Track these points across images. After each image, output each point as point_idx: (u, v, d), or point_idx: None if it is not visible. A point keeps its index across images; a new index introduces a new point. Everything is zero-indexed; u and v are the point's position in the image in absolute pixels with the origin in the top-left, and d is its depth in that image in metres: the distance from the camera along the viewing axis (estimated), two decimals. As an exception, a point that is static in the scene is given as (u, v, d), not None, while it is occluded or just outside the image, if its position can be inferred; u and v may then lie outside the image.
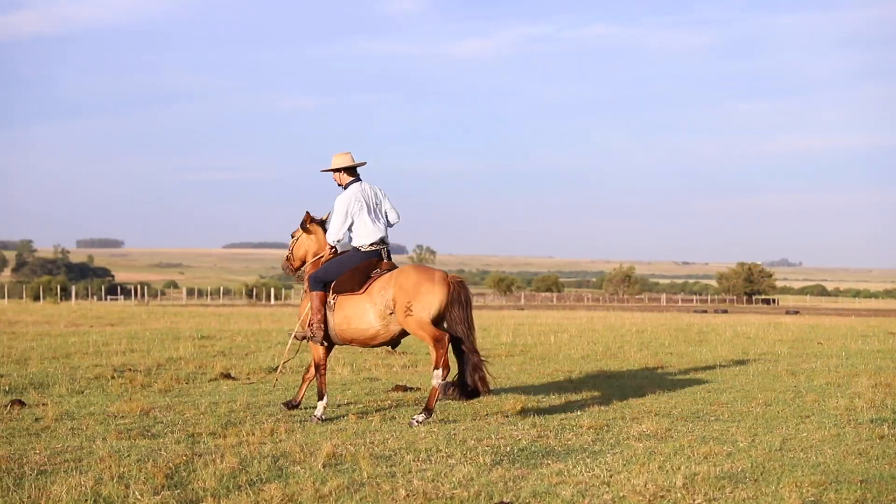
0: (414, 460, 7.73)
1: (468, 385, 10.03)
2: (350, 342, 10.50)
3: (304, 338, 10.64)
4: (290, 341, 11.40)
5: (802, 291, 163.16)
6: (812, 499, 6.60)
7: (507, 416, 10.16)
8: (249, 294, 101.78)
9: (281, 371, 12.79)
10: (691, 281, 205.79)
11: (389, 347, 10.82)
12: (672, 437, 8.82)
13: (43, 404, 10.81)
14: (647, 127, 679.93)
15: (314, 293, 10.44)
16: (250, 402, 11.16)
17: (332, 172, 10.77)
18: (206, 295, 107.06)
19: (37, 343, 19.27)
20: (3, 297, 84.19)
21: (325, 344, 10.59)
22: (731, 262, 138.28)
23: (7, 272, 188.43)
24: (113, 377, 13.34)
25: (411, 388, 12.39)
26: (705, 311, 62.16)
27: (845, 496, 6.66)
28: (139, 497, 6.53)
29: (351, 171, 10.74)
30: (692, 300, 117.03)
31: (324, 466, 7.46)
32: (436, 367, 9.97)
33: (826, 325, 32.56)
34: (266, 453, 7.89)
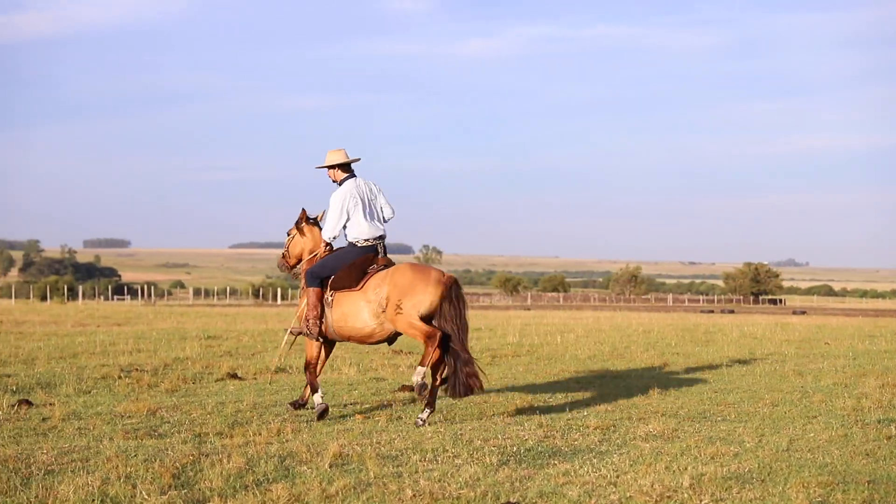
0: (420, 460, 7.73)
1: (462, 383, 10.04)
2: (348, 339, 10.53)
3: (299, 333, 10.69)
4: (285, 337, 11.42)
5: (809, 291, 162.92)
6: (819, 499, 6.59)
7: (513, 417, 10.16)
8: (256, 294, 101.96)
9: (277, 364, 12.76)
10: (698, 281, 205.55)
11: (387, 344, 10.86)
12: (679, 438, 8.81)
13: (50, 404, 10.82)
14: (653, 126, 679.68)
15: (311, 289, 10.50)
16: (257, 402, 11.17)
17: (326, 169, 10.82)
18: (213, 295, 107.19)
19: (44, 343, 19.31)
20: (11, 297, 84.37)
21: (321, 340, 10.61)
22: (738, 262, 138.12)
23: (14, 272, 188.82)
24: (120, 377, 13.36)
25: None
26: (712, 312, 62.09)
27: (853, 497, 6.65)
28: (146, 497, 6.54)
29: (345, 167, 10.78)
30: (699, 300, 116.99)
31: (330, 466, 7.46)
32: (421, 364, 10.01)
33: (833, 325, 32.51)
34: (273, 453, 7.90)
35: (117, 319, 33.45)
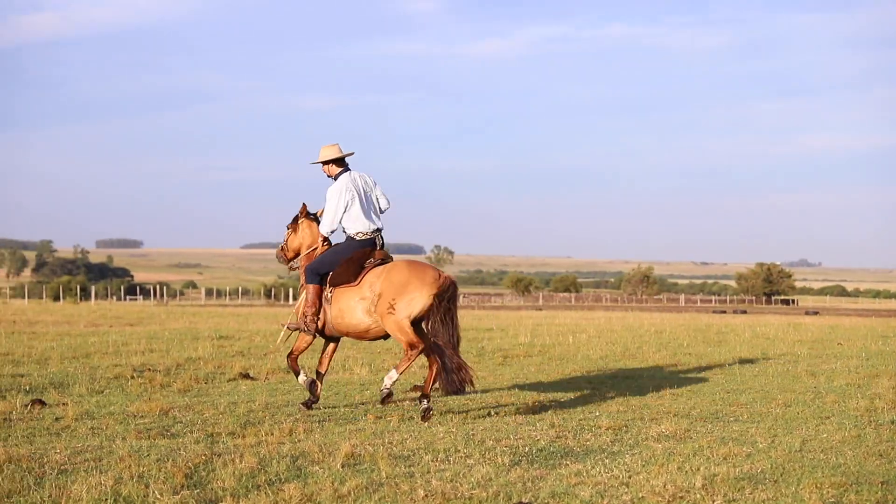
0: (432, 460, 7.72)
1: (454, 380, 10.08)
2: (346, 334, 10.66)
3: (296, 329, 10.78)
4: (282, 331, 11.46)
5: (822, 292, 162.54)
6: (832, 500, 6.57)
7: (525, 417, 10.15)
8: (268, 294, 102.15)
9: (272, 355, 12.76)
10: (710, 281, 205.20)
11: (382, 340, 10.94)
12: (691, 438, 8.79)
13: (63, 404, 10.85)
14: (666, 126, 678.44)
15: (310, 286, 10.62)
16: (269, 401, 11.18)
17: (321, 165, 10.89)
18: (225, 295, 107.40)
19: (57, 343, 19.36)
20: (24, 297, 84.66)
21: (315, 336, 10.74)
22: (750, 262, 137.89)
23: (27, 272, 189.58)
24: (132, 377, 13.39)
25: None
26: (724, 312, 61.98)
27: (866, 498, 6.62)
28: (159, 496, 6.55)
29: (339, 161, 10.85)
30: (711, 300, 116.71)
31: (342, 466, 7.46)
32: (397, 369, 10.19)
33: (846, 325, 32.40)
34: (285, 453, 7.90)
35: (130, 319, 33.53)
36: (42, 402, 10.79)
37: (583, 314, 48.05)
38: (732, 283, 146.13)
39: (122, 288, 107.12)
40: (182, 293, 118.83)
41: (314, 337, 10.73)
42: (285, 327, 11.13)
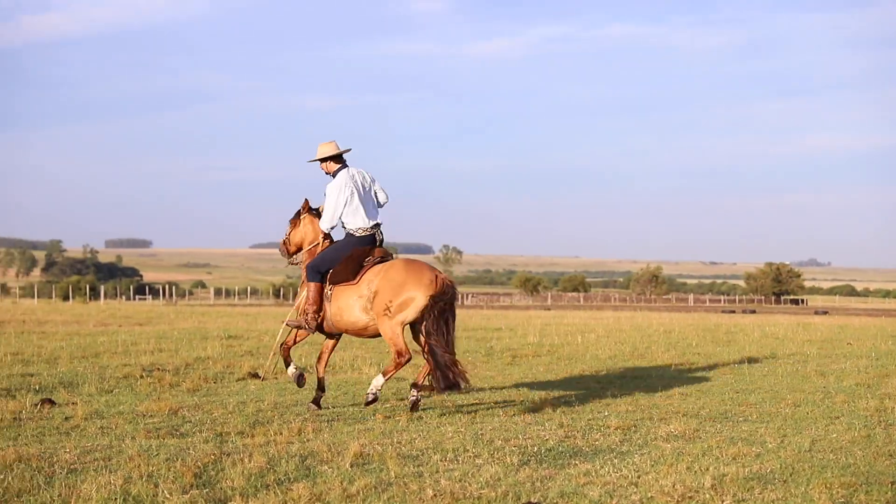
0: (441, 460, 7.72)
1: (449, 376, 10.11)
2: (345, 331, 10.77)
3: (297, 326, 10.85)
4: (282, 328, 11.48)
5: (831, 291, 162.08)
6: (842, 500, 6.55)
7: (534, 417, 10.14)
8: (276, 294, 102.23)
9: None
10: (719, 281, 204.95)
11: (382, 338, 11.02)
12: (700, 438, 8.77)
13: (73, 403, 10.87)
14: (674, 126, 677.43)
15: (312, 284, 10.71)
16: (278, 401, 11.19)
17: (318, 163, 10.94)
18: (234, 295, 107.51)
19: (66, 342, 19.41)
20: (33, 296, 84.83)
21: (315, 333, 10.85)
22: (760, 262, 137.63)
23: (37, 272, 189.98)
24: (142, 376, 13.41)
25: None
26: (733, 312, 61.84)
27: (876, 498, 6.60)
28: (168, 496, 6.56)
29: (337, 158, 10.91)
30: (720, 300, 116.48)
31: (351, 466, 7.46)
32: (384, 374, 10.36)
33: (856, 325, 32.32)
34: (294, 452, 7.91)
35: (139, 319, 33.58)
36: (52, 402, 10.81)
37: (591, 314, 48.00)
38: (741, 283, 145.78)
39: (131, 288, 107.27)
40: (191, 293, 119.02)
41: (314, 332, 10.86)
42: (285, 324, 11.20)
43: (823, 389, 12.33)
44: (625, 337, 23.06)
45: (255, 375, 13.83)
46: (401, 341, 10.20)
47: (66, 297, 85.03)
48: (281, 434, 8.85)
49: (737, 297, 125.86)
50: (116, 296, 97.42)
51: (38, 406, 10.56)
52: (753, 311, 65.06)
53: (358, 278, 10.46)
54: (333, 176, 10.88)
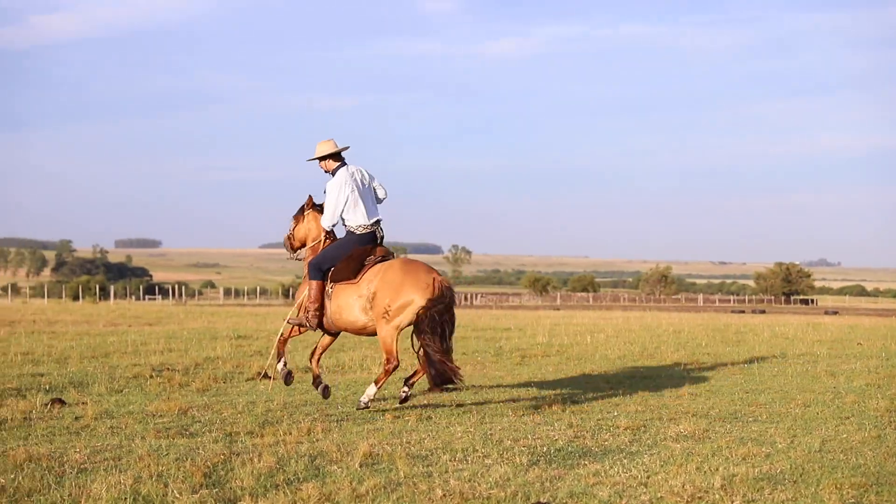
0: (450, 460, 7.73)
1: (438, 373, 10.16)
2: (344, 330, 10.86)
3: (298, 324, 10.93)
4: (283, 326, 11.50)
5: (841, 292, 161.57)
6: (852, 501, 6.54)
7: (543, 416, 10.14)
8: (286, 294, 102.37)
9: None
10: (729, 281, 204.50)
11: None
12: (710, 438, 8.76)
13: (83, 403, 10.90)
14: (683, 125, 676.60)
15: (313, 282, 10.79)
16: (287, 401, 11.20)
17: (317, 161, 10.99)
18: (243, 295, 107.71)
19: (76, 342, 19.45)
20: (43, 296, 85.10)
21: (315, 330, 10.94)
22: (769, 262, 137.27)
23: (47, 272, 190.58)
24: (151, 376, 13.44)
25: (447, 388, 12.36)
26: (743, 312, 61.74)
27: (886, 498, 6.59)
28: (178, 495, 6.57)
29: (336, 156, 10.97)
30: (730, 300, 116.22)
31: (361, 466, 7.47)
32: (376, 383, 10.51)
33: (866, 325, 32.23)
34: (303, 452, 7.92)
35: (148, 319, 33.64)
36: (62, 402, 10.84)
37: (601, 314, 47.95)
38: (751, 283, 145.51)
39: (140, 287, 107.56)
40: (200, 293, 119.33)
41: (314, 330, 10.96)
42: (287, 322, 11.25)
43: (834, 390, 12.30)
44: (634, 337, 23.02)
45: (266, 375, 13.84)
46: (393, 347, 10.30)
47: (76, 297, 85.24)
48: (290, 434, 8.87)
49: (746, 298, 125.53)
50: (126, 296, 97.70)
51: (49, 406, 10.59)
52: (763, 312, 64.94)
53: (358, 277, 10.54)
54: (332, 174, 10.94)
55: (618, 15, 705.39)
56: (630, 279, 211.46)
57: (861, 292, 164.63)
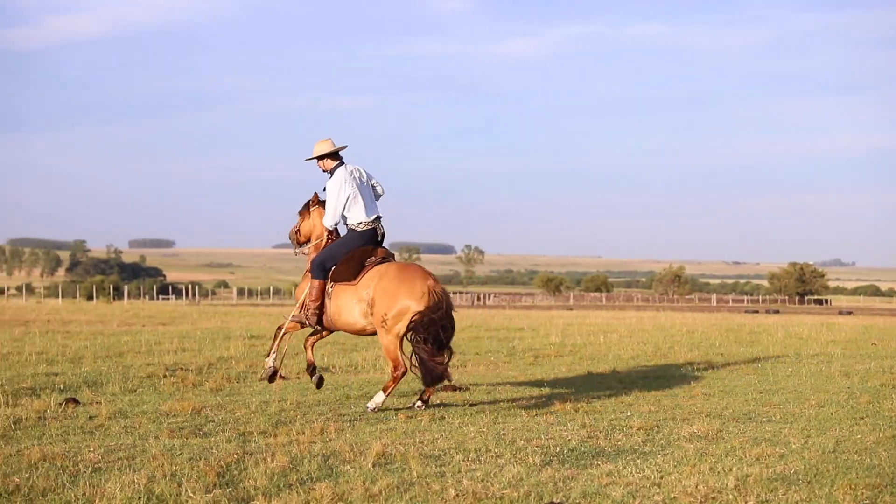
0: (463, 460, 7.72)
1: (430, 371, 10.17)
2: (342, 329, 10.93)
3: (298, 321, 10.98)
4: (286, 322, 11.52)
5: (856, 291, 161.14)
6: (867, 501, 6.52)
7: (556, 417, 10.13)
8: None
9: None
10: (742, 281, 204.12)
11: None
12: (723, 439, 8.74)
13: (97, 403, 10.93)
14: (698, 126, 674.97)
15: (315, 280, 10.85)
16: (300, 401, 11.21)
17: (316, 161, 11.03)
18: (257, 295, 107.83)
19: (90, 342, 19.51)
20: (58, 296, 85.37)
21: (315, 328, 11.02)
22: (783, 262, 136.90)
23: (61, 272, 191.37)
24: (165, 376, 13.47)
25: (460, 388, 12.38)
26: (757, 312, 61.56)
27: (901, 499, 6.56)
28: (191, 495, 6.59)
29: (334, 155, 11.01)
30: (743, 300, 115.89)
31: (374, 466, 7.47)
32: (384, 390, 10.51)
33: (880, 325, 32.11)
34: (316, 452, 7.93)
35: (162, 319, 33.72)
36: (76, 401, 10.87)
37: (614, 314, 47.88)
38: (765, 283, 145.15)
39: (154, 287, 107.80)
40: (214, 293, 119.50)
41: (314, 328, 11.04)
42: (289, 319, 11.30)
43: (848, 390, 12.26)
44: (647, 337, 22.99)
45: (280, 376, 13.84)
46: (397, 355, 10.34)
47: (90, 297, 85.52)
48: (303, 434, 8.88)
49: (760, 298, 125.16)
50: (140, 296, 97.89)
51: (63, 405, 10.61)
52: (777, 312, 64.76)
53: (358, 279, 10.58)
54: (331, 173, 10.97)
55: (632, 15, 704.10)
56: (643, 279, 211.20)
57: (875, 292, 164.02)
